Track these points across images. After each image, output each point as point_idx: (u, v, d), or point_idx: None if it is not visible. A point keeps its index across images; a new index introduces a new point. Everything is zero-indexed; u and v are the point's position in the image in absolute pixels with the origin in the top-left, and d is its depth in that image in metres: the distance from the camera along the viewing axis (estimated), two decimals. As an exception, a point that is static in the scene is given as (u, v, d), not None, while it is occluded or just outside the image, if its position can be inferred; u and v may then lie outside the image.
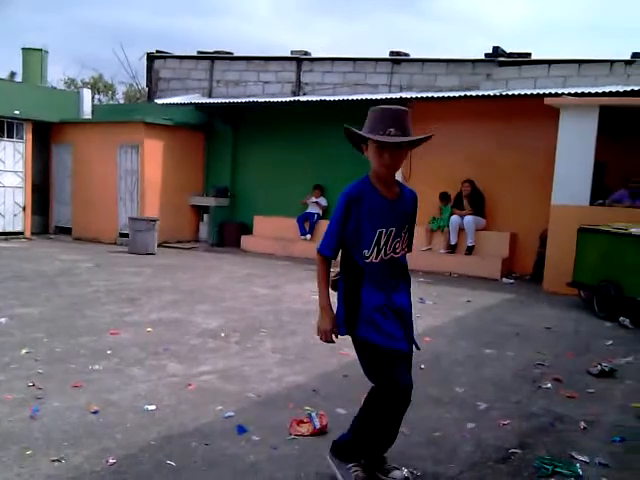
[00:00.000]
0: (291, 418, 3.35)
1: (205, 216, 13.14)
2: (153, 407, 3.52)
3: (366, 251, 2.53)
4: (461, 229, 10.22)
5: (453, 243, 10.30)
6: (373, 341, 2.51)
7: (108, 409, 3.44)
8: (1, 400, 3.51)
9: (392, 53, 12.58)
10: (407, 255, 2.69)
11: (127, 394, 3.73)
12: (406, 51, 12.71)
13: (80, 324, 5.41)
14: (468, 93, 10.45)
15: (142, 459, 2.87)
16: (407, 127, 2.48)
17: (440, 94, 10.49)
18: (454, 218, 10.21)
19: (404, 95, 10.95)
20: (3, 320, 5.36)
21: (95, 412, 3.40)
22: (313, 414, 3.35)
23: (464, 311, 6.94)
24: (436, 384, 4.18)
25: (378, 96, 11.12)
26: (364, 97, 10.97)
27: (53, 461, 2.80)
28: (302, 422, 3.31)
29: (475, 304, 7.38)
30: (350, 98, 11.10)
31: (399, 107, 2.54)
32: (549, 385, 4.26)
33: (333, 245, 2.56)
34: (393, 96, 11.01)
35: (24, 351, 4.49)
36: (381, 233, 2.52)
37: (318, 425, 3.27)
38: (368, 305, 2.53)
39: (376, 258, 2.54)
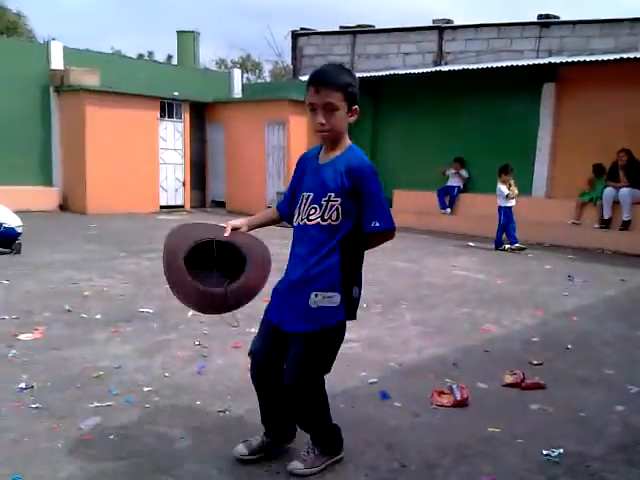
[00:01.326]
0: (432, 388, 3.48)
1: (346, 190, 13.45)
2: (303, 370, 3.81)
3: (295, 212, 2.48)
4: (615, 202, 9.58)
5: (607, 217, 9.69)
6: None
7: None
8: (173, 356, 3.99)
9: (540, 16, 11.94)
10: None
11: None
12: (556, 13, 11.98)
13: (236, 291, 5.91)
14: (625, 55, 9.66)
15: (295, 416, 3.15)
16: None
17: (594, 57, 9.81)
18: (608, 190, 9.60)
19: (553, 60, 10.38)
20: (171, 285, 5.99)
21: (253, 371, 3.75)
22: (454, 386, 3.44)
23: (616, 290, 6.58)
24: (583, 364, 4.07)
25: (524, 62, 10.65)
26: (509, 64, 10.55)
27: (219, 412, 3.16)
28: (443, 393, 3.42)
29: (630, 283, 6.95)
30: (494, 65, 10.73)
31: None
32: None
33: (284, 203, 2.61)
34: (540, 62, 10.48)
35: (190, 313, 5.02)
36: (303, 196, 2.43)
37: (459, 397, 3.35)
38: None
39: (296, 221, 2.46)
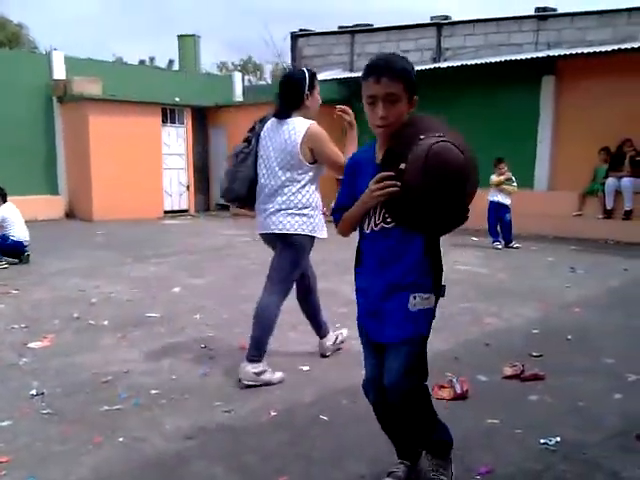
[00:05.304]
0: (433, 383, 3.54)
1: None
2: (307, 368, 3.90)
3: (364, 221, 2.28)
4: (618, 192, 9.62)
5: (609, 208, 9.72)
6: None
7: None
8: (181, 359, 4.08)
9: (538, 9, 11.94)
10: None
11: (286, 356, 4.14)
12: (553, 6, 12.00)
13: (242, 293, 5.96)
14: (623, 46, 9.67)
15: (299, 413, 3.23)
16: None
17: (592, 49, 9.82)
18: (610, 181, 9.64)
19: (551, 53, 10.42)
20: (177, 289, 6.09)
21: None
22: (454, 379, 3.51)
23: (619, 280, 6.61)
24: (583, 355, 4.13)
25: (522, 56, 10.68)
26: (507, 58, 10.60)
27: (225, 412, 3.24)
28: (443, 387, 3.48)
29: (632, 273, 6.98)
30: (492, 60, 10.77)
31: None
32: None
33: (340, 212, 2.35)
34: (539, 55, 10.52)
35: (197, 316, 5.11)
36: None
37: (459, 390, 3.42)
38: (357, 284, 2.44)
39: (367, 228, 2.26)
